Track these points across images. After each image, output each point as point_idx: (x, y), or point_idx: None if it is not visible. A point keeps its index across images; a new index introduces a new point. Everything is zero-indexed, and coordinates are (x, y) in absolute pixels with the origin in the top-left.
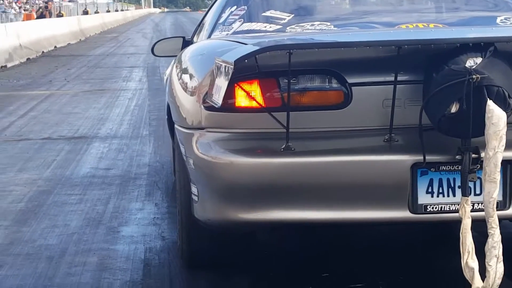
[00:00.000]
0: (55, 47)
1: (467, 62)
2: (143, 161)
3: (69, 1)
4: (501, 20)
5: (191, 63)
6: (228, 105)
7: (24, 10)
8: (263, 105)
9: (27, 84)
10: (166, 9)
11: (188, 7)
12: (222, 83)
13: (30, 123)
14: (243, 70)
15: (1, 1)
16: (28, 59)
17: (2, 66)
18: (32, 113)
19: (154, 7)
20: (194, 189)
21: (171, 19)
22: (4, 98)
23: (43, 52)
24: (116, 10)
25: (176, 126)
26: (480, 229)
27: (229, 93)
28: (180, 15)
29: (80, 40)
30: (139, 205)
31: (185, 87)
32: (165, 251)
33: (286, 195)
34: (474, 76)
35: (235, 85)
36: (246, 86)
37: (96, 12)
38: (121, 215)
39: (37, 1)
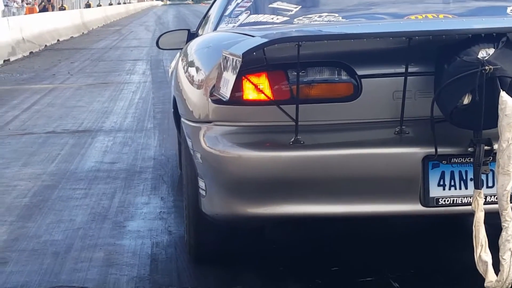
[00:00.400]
0: (58, 40)
1: (480, 53)
2: (148, 154)
3: None
4: (511, 10)
5: (197, 56)
6: (236, 98)
7: (27, 4)
8: (271, 98)
9: (30, 78)
10: (168, 2)
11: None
12: (230, 76)
13: (33, 117)
14: (251, 63)
15: None
16: (31, 52)
17: (5, 60)
18: (35, 107)
19: None
20: (201, 184)
21: (173, 12)
22: (7, 92)
23: (46, 45)
24: (119, 3)
25: (182, 119)
26: (492, 222)
27: (237, 86)
28: (182, 8)
29: (82, 33)
30: (145, 199)
31: (191, 80)
32: (172, 246)
33: (295, 189)
34: (486, 67)
35: (243, 78)
36: (254, 79)
37: (99, 5)
38: (127, 210)
39: None
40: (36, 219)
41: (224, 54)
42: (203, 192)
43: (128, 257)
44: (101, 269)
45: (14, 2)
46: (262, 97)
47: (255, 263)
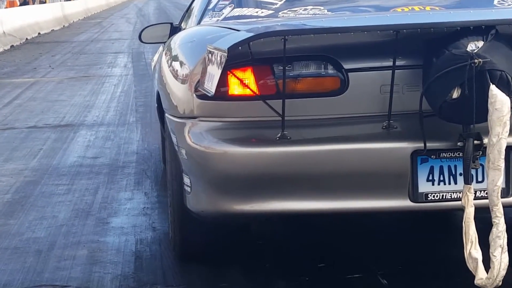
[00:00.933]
0: (39, 33)
1: (469, 46)
2: (131, 148)
3: None
4: (498, 1)
5: (181, 50)
6: (221, 93)
7: None
8: (257, 93)
9: (11, 72)
10: None
11: None
12: (215, 71)
13: (15, 112)
14: (237, 57)
15: None
16: (11, 46)
17: None
18: (17, 101)
19: None
20: (186, 180)
21: (154, 4)
22: None
23: (27, 39)
24: None
25: (167, 115)
26: (481, 216)
27: (222, 81)
28: (163, 0)
29: (63, 26)
30: (128, 194)
31: (176, 75)
32: (156, 243)
33: (282, 185)
34: (476, 61)
35: (228, 72)
36: (239, 73)
37: None
38: (110, 206)
39: None
40: (19, 216)
41: (209, 49)
42: (188, 189)
43: (112, 254)
44: (84, 267)
45: None
46: (247, 92)
47: (241, 260)
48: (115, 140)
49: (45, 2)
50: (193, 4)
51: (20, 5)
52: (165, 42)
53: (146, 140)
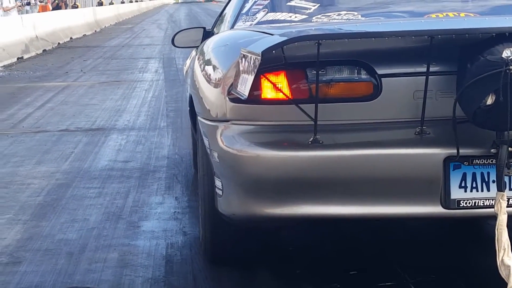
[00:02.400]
0: (71, 38)
1: (504, 52)
2: (161, 153)
3: None
4: None
5: (214, 54)
6: (254, 97)
7: (40, 2)
8: (290, 97)
9: (43, 76)
10: (180, 0)
11: None
12: (248, 75)
13: (47, 115)
14: (270, 61)
15: None
16: (44, 50)
17: (18, 58)
18: (49, 104)
19: None
20: (218, 183)
21: (185, 10)
22: (21, 89)
23: (59, 43)
24: (131, 1)
25: (199, 118)
26: None
27: (256, 85)
28: (194, 6)
29: (95, 31)
30: (159, 199)
31: (209, 79)
32: (187, 247)
33: (314, 189)
34: (511, 67)
35: (262, 76)
36: (272, 77)
37: (111, 3)
38: (141, 209)
39: None
40: (50, 218)
41: (242, 52)
42: (219, 192)
43: (143, 258)
44: (115, 270)
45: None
46: (280, 96)
47: (272, 265)
48: (146, 145)
49: (77, 7)
50: (226, 9)
51: (53, 9)
52: (198, 46)
53: (177, 145)
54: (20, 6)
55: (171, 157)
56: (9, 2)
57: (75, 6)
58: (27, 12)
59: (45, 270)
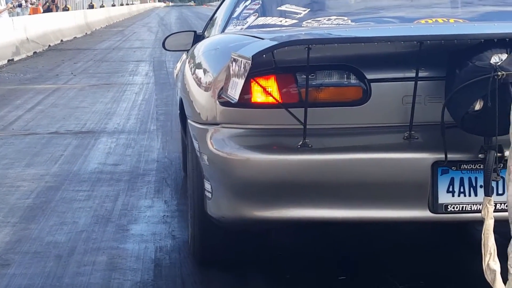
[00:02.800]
0: (62, 40)
1: (492, 58)
2: (151, 156)
3: None
4: None
5: (205, 58)
6: (244, 100)
7: (31, 4)
8: (280, 101)
9: (34, 78)
10: (170, 3)
11: (193, 1)
12: (238, 78)
13: (37, 117)
14: (260, 65)
15: None
16: (34, 52)
17: (9, 60)
18: (39, 107)
19: (159, 1)
20: (207, 186)
21: (176, 13)
22: (11, 91)
23: (49, 45)
24: (121, 4)
25: (189, 121)
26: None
27: (246, 89)
28: (185, 9)
29: (86, 33)
30: (148, 202)
31: (199, 82)
32: (176, 251)
33: (303, 192)
34: (499, 73)
35: (252, 80)
36: (263, 81)
37: (102, 6)
38: (130, 213)
39: None
40: (39, 221)
41: (233, 56)
42: (209, 195)
43: (132, 261)
44: (104, 273)
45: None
46: (270, 100)
47: (261, 270)
48: (136, 148)
49: (68, 10)
50: (217, 13)
51: (44, 12)
52: (189, 50)
53: (167, 149)
54: (11, 8)
55: (161, 161)
56: (0, 4)
57: (66, 9)
58: (18, 14)
59: (33, 273)
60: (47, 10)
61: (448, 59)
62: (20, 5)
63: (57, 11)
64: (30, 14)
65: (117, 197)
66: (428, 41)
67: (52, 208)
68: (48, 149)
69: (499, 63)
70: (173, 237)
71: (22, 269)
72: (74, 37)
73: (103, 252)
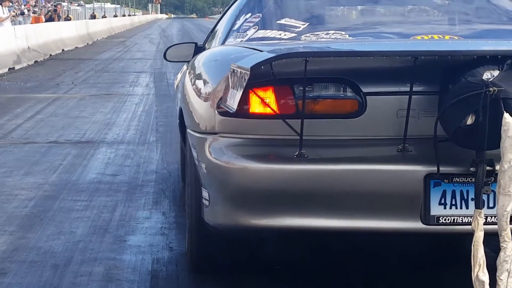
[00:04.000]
0: (63, 50)
1: (484, 74)
2: (150, 168)
3: (77, 5)
4: None
5: (205, 69)
6: (243, 110)
7: (33, 13)
8: (277, 111)
9: (34, 87)
10: (172, 15)
11: (195, 14)
12: (237, 89)
13: (37, 126)
14: (259, 77)
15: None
16: (35, 61)
17: (10, 68)
18: (39, 116)
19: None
20: (205, 194)
21: (177, 25)
22: (11, 100)
23: (50, 55)
24: (124, 15)
25: (188, 130)
26: (491, 244)
27: (244, 99)
28: (186, 22)
29: (87, 44)
30: (146, 213)
31: (199, 92)
32: (173, 263)
33: (298, 201)
34: (491, 89)
35: (250, 91)
36: (261, 92)
37: (104, 16)
38: (128, 224)
39: (46, 5)
40: (37, 230)
41: (232, 67)
42: (206, 202)
43: (128, 272)
44: (100, 284)
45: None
46: (268, 110)
47: (257, 280)
48: (135, 159)
49: (70, 19)
50: (218, 25)
51: (46, 21)
52: (189, 61)
53: (166, 160)
54: (14, 16)
55: (160, 172)
56: (3, 13)
57: (68, 18)
58: (20, 23)
59: (30, 282)
60: (49, 19)
61: (441, 74)
62: (22, 13)
63: (59, 20)
64: (32, 23)
65: (115, 207)
66: (423, 57)
67: (49, 217)
68: (47, 158)
69: (491, 79)
70: (170, 249)
71: (18, 278)
72: (75, 47)
73: (100, 262)
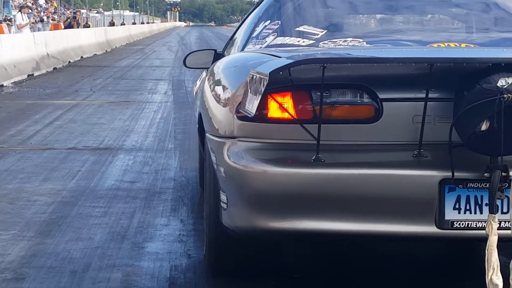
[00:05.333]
0: (82, 57)
1: (499, 81)
2: (168, 175)
3: (96, 13)
4: None
5: (224, 74)
6: (261, 115)
7: (52, 20)
8: (295, 116)
9: (53, 93)
10: (191, 23)
11: (213, 22)
12: (256, 94)
13: (55, 132)
14: (277, 82)
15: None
16: (54, 68)
17: (29, 75)
18: (57, 122)
19: (180, 20)
20: (223, 197)
21: (196, 33)
22: (30, 106)
23: (69, 62)
24: (142, 23)
25: (207, 135)
26: (504, 251)
27: (262, 104)
28: (205, 30)
29: (106, 51)
30: (164, 220)
31: (218, 97)
32: (191, 270)
33: (315, 205)
34: (505, 95)
35: (269, 96)
36: (279, 97)
37: (122, 24)
38: (146, 230)
39: (65, 12)
40: (55, 236)
41: (251, 73)
42: (224, 206)
43: (146, 279)
44: None
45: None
46: (286, 115)
47: (274, 283)
48: (153, 166)
49: (89, 26)
50: (237, 33)
51: (65, 28)
52: (208, 67)
53: (184, 167)
54: (33, 23)
55: (178, 179)
56: (23, 19)
57: (87, 26)
58: (39, 29)
59: None
60: (68, 26)
61: (457, 81)
62: (42, 20)
63: (78, 27)
64: (51, 30)
65: (133, 214)
66: (438, 64)
67: (68, 223)
68: (66, 165)
69: (505, 86)
70: (188, 256)
71: (36, 284)
72: (94, 54)
73: (118, 269)
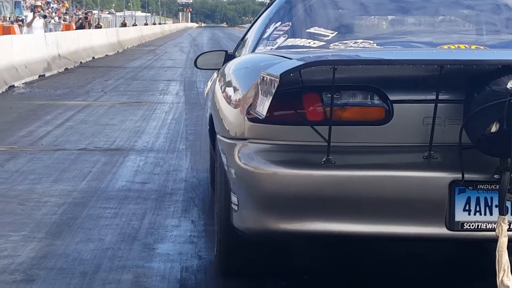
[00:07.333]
0: (93, 58)
1: (509, 83)
2: (179, 176)
3: (108, 13)
4: None
5: (235, 76)
6: (272, 117)
7: (64, 21)
8: (305, 118)
9: (64, 94)
10: (203, 24)
11: (225, 23)
12: (266, 96)
13: (66, 133)
14: (288, 84)
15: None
16: (66, 69)
17: (40, 75)
18: (68, 123)
19: (192, 21)
20: (234, 198)
21: (208, 34)
22: (41, 107)
23: (81, 62)
24: (154, 23)
25: (218, 136)
26: None
27: (273, 106)
28: (217, 30)
29: (117, 51)
30: (175, 221)
31: (229, 99)
32: (201, 271)
33: (325, 206)
34: None
35: (279, 98)
36: (289, 99)
37: (134, 24)
38: (156, 232)
39: (76, 12)
40: (65, 237)
41: (262, 75)
42: (235, 207)
43: (157, 280)
44: None
45: (52, 18)
46: (296, 117)
47: (285, 285)
48: (164, 167)
49: (100, 27)
50: (248, 34)
51: (76, 29)
52: (219, 68)
53: (195, 168)
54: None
55: (189, 180)
56: (28, 16)
57: (98, 26)
58: (50, 30)
59: None
60: (80, 27)
61: (467, 83)
62: (45, 16)
63: (89, 28)
64: (62, 31)
65: (144, 215)
66: (448, 66)
67: (78, 224)
68: (77, 166)
69: None
70: (199, 258)
71: (46, 286)
72: (105, 55)
73: (129, 270)
